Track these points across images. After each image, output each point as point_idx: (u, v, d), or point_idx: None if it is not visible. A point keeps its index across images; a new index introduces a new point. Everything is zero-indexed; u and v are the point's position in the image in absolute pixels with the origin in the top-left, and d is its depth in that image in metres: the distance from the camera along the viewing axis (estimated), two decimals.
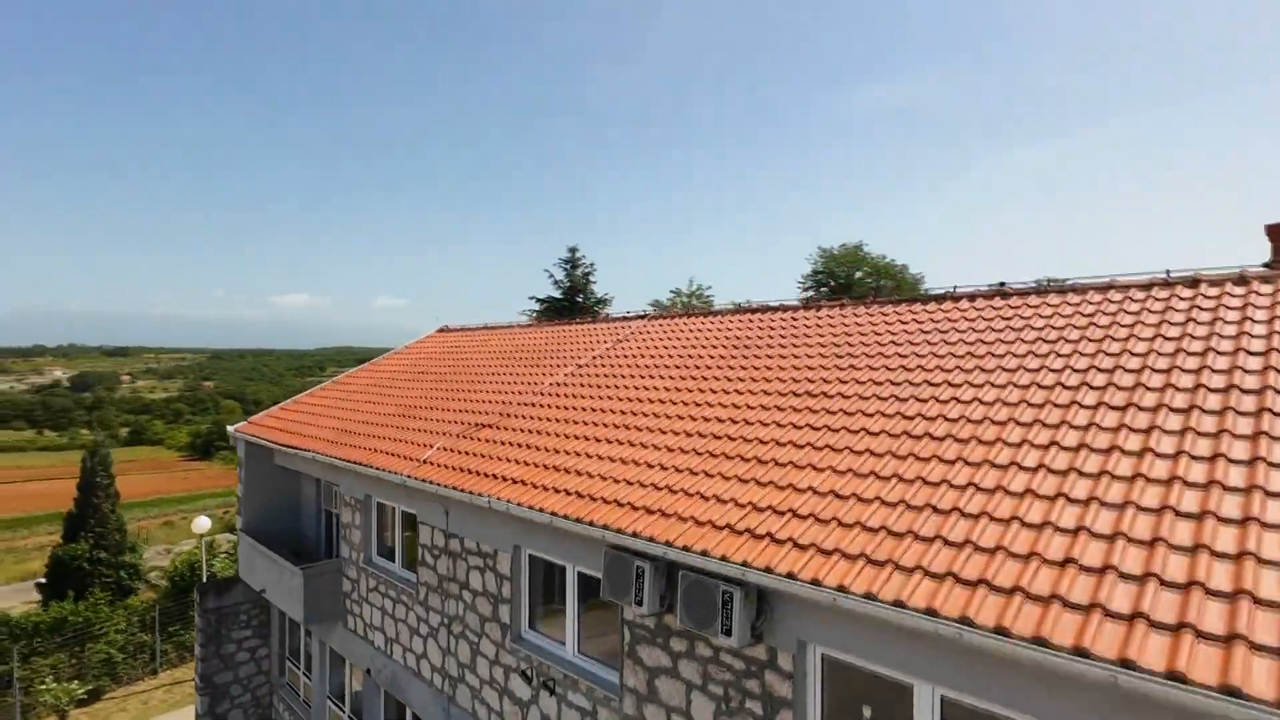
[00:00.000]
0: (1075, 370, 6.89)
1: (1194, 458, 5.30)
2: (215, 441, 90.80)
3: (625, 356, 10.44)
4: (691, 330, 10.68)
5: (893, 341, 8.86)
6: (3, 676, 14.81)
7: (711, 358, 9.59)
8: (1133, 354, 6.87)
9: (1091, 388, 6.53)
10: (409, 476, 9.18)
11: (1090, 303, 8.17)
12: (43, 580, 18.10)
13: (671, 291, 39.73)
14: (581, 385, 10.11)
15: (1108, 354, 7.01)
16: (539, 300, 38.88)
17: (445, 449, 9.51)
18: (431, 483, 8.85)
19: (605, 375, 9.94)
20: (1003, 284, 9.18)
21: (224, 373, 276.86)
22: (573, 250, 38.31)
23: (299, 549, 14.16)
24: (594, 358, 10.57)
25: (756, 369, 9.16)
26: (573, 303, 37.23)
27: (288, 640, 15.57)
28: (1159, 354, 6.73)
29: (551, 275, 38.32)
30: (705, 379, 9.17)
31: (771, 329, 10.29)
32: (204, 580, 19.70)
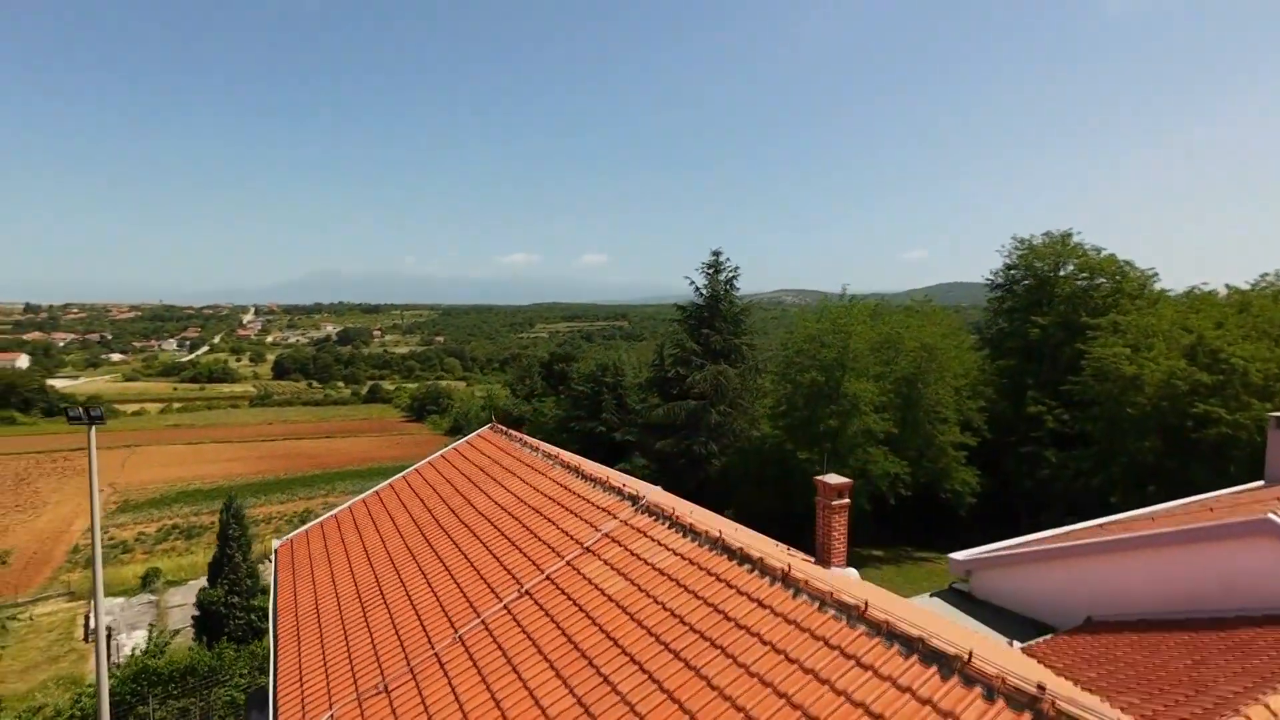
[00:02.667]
0: None
1: None
2: (428, 405, 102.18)
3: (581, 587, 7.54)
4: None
5: None
6: (144, 718, 17.10)
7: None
8: None
9: None
10: None
11: None
12: (196, 614, 20.79)
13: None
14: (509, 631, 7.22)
15: None
16: (681, 309, 37.07)
17: None
18: None
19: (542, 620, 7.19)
20: None
21: (451, 329, 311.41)
22: (716, 254, 35.71)
23: None
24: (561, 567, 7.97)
25: None
26: (715, 309, 34.88)
27: None
28: None
29: (693, 282, 36.16)
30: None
31: None
32: None
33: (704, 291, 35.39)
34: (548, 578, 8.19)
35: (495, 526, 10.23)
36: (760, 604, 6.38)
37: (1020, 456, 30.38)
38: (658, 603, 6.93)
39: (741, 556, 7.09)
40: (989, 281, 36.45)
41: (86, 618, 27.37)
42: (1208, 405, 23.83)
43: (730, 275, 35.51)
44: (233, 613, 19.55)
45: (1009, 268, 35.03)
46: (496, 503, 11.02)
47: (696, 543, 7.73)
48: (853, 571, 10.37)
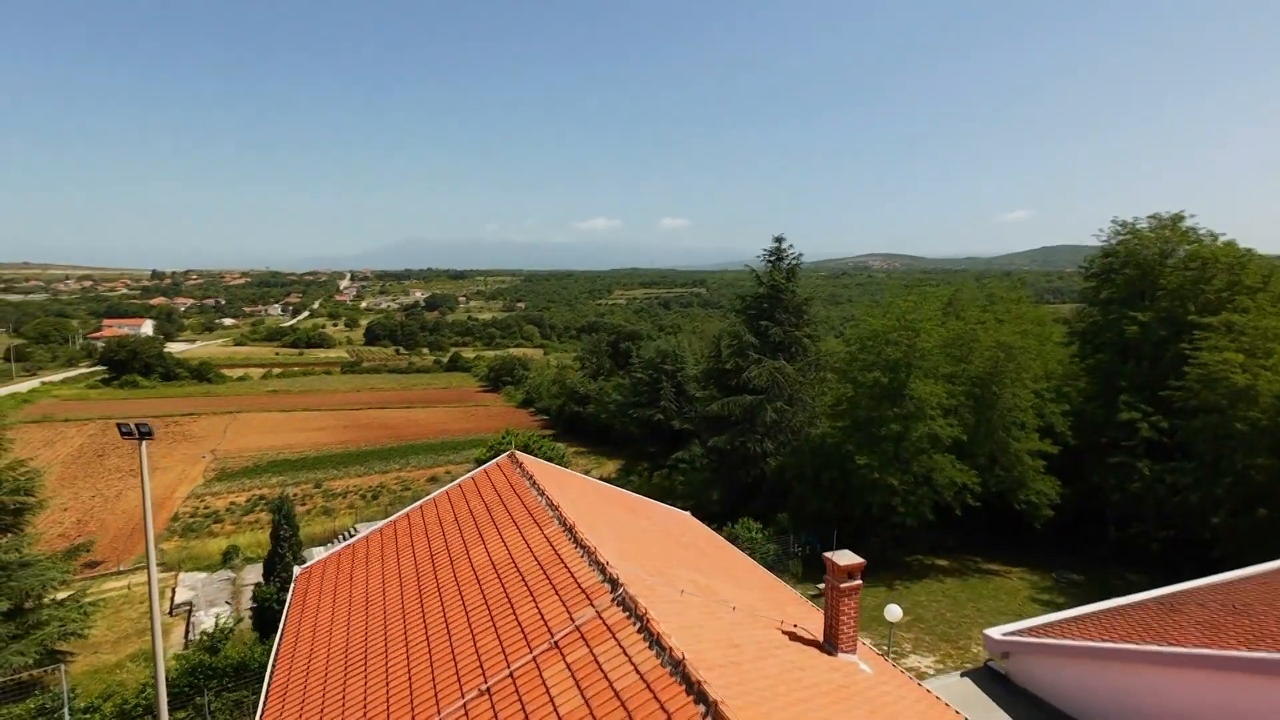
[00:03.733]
0: None
1: None
2: (504, 375, 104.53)
3: None
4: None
5: None
6: (201, 708, 18.22)
7: None
8: None
9: None
10: None
11: None
12: (253, 605, 21.93)
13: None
14: None
15: None
16: (742, 299, 35.72)
17: None
18: None
19: None
20: None
21: (532, 295, 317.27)
22: (779, 241, 34.04)
23: None
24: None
25: None
26: (775, 300, 33.37)
27: None
28: None
29: (754, 272, 34.68)
30: None
31: None
32: None
33: (764, 281, 33.91)
34: (510, 675, 7.76)
35: (482, 592, 9.89)
36: None
37: (1109, 467, 27.72)
38: None
39: (698, 694, 6.38)
40: (1083, 270, 33.12)
41: (173, 591, 29.61)
42: None
43: (793, 264, 33.83)
44: (283, 610, 20.44)
45: (1107, 254, 31.59)
46: (491, 559, 10.69)
47: (660, 660, 7.06)
48: (861, 663, 9.42)
